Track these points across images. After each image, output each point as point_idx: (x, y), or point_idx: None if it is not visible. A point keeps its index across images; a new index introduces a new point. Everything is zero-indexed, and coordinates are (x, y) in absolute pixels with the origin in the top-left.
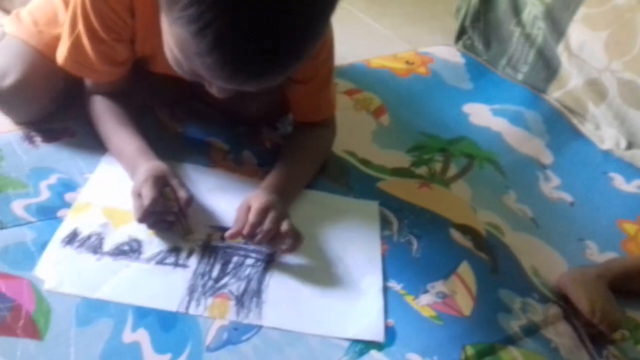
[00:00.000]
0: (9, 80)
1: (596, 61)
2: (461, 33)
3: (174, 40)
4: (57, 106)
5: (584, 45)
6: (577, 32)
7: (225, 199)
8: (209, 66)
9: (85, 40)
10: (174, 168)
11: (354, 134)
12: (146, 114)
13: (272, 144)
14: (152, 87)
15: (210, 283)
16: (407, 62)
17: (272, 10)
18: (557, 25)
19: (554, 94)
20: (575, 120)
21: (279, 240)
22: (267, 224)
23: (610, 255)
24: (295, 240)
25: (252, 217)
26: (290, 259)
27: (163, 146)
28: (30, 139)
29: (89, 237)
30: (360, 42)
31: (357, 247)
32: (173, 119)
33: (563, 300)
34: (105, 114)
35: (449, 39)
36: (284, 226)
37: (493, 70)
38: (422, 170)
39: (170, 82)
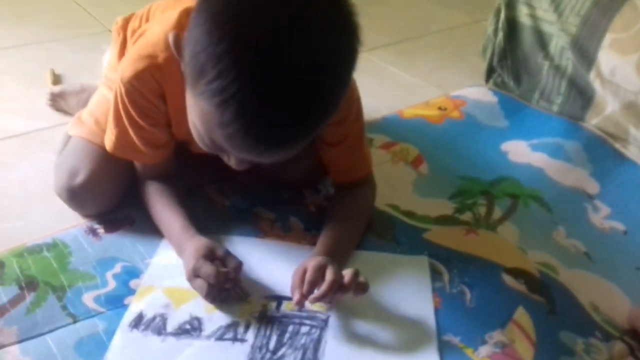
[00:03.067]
0: (79, 179)
1: (630, 84)
2: (490, 72)
3: (197, 114)
4: (121, 198)
5: (616, 70)
6: (606, 58)
7: (277, 267)
8: (231, 136)
9: (127, 127)
10: (223, 241)
11: (394, 187)
12: (196, 193)
13: (316, 207)
14: (198, 167)
15: (268, 355)
16: (440, 108)
17: (293, 82)
18: (585, 54)
19: (592, 121)
20: (618, 145)
21: (344, 292)
22: (328, 275)
23: None
24: (362, 285)
25: (309, 275)
26: (345, 323)
27: (213, 221)
28: (94, 232)
29: (153, 319)
30: (391, 93)
31: (410, 304)
32: (221, 194)
33: (631, 336)
34: (154, 196)
35: (479, 78)
36: (346, 277)
37: (527, 104)
38: (466, 216)
39: (213, 161)
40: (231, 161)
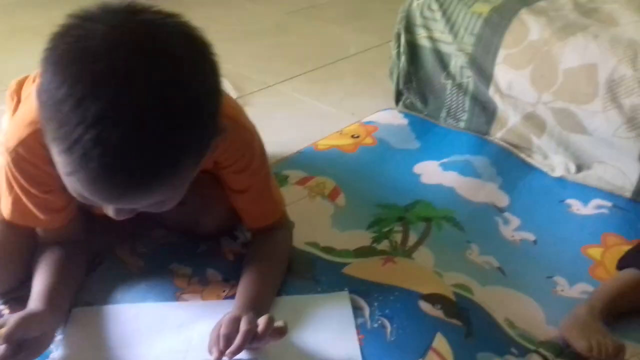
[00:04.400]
0: None
1: (527, 96)
2: (399, 94)
3: (57, 165)
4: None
5: (512, 84)
6: (502, 73)
7: (197, 331)
8: (83, 183)
9: (21, 195)
10: (137, 309)
11: (313, 223)
12: (106, 258)
13: (234, 255)
14: (106, 229)
15: None
16: (353, 136)
17: (136, 128)
18: (483, 71)
19: (497, 135)
20: (523, 155)
21: (261, 340)
22: (242, 326)
23: (580, 286)
24: (279, 329)
25: (223, 330)
26: None
27: (126, 287)
28: None
29: None
30: (306, 125)
31: (335, 345)
32: (134, 255)
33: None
34: (38, 259)
35: (392, 101)
36: (261, 325)
37: (436, 123)
38: (383, 244)
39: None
40: (109, 211)
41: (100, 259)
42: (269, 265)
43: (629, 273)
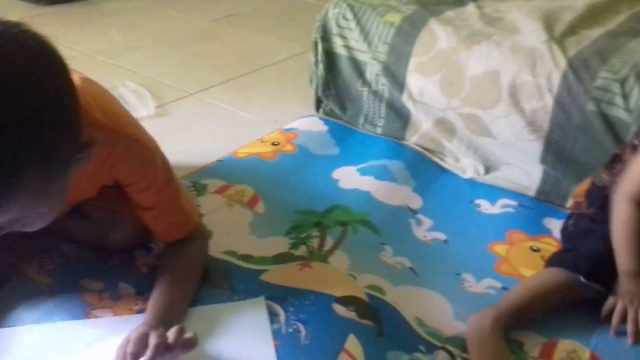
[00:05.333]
0: None
1: (437, 102)
2: (319, 101)
3: None
4: None
5: (423, 90)
6: (414, 80)
7: (105, 348)
8: None
9: None
10: (42, 329)
11: (231, 232)
12: (12, 276)
13: (148, 267)
14: (11, 246)
15: None
16: (273, 144)
17: None
18: (396, 78)
19: (412, 139)
20: (436, 159)
21: (172, 353)
22: (152, 340)
23: (486, 282)
24: (190, 341)
25: (130, 347)
26: None
27: (32, 306)
28: None
29: None
30: (227, 133)
31: (251, 352)
32: (42, 272)
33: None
34: None
35: (313, 108)
36: (170, 337)
37: (355, 129)
38: (301, 250)
39: (28, 235)
40: None
41: (4, 277)
42: (180, 276)
43: (551, 273)
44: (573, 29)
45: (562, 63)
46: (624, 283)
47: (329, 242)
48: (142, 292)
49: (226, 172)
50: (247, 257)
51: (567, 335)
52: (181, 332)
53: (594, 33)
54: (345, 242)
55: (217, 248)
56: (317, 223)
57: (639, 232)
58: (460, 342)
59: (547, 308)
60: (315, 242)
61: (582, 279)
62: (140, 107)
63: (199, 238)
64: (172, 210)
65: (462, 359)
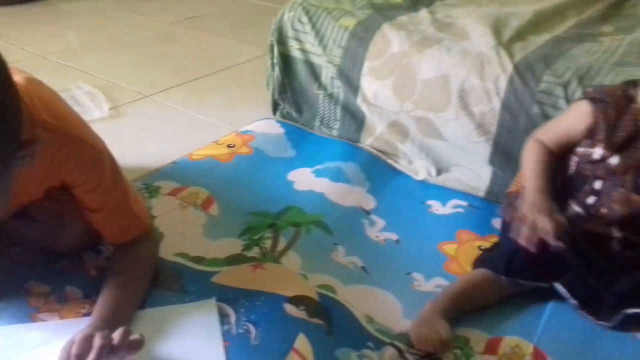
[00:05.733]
0: None
1: (390, 106)
2: (276, 104)
3: None
4: None
5: (377, 94)
6: (368, 84)
7: (51, 351)
8: None
9: None
10: None
11: (184, 234)
12: None
13: (97, 270)
14: None
15: None
16: (229, 146)
17: None
18: (351, 82)
19: (367, 142)
20: (390, 161)
21: (118, 355)
22: (96, 342)
23: (435, 281)
24: (136, 342)
25: (74, 349)
26: None
27: None
28: None
29: None
30: (183, 135)
31: (200, 353)
32: None
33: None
34: None
35: (270, 111)
36: (116, 339)
37: (311, 131)
38: (254, 251)
39: None
40: None
41: None
42: (129, 278)
43: (480, 272)
44: (520, 34)
45: (509, 67)
46: (530, 197)
47: (282, 243)
48: (90, 295)
49: (180, 174)
50: (199, 259)
51: (511, 331)
52: (127, 333)
53: (541, 39)
54: (298, 243)
55: (168, 250)
56: (271, 224)
57: (546, 162)
58: (408, 338)
59: (490, 300)
60: (268, 243)
61: (503, 277)
62: (93, 109)
63: (149, 240)
64: (121, 211)
65: (410, 354)
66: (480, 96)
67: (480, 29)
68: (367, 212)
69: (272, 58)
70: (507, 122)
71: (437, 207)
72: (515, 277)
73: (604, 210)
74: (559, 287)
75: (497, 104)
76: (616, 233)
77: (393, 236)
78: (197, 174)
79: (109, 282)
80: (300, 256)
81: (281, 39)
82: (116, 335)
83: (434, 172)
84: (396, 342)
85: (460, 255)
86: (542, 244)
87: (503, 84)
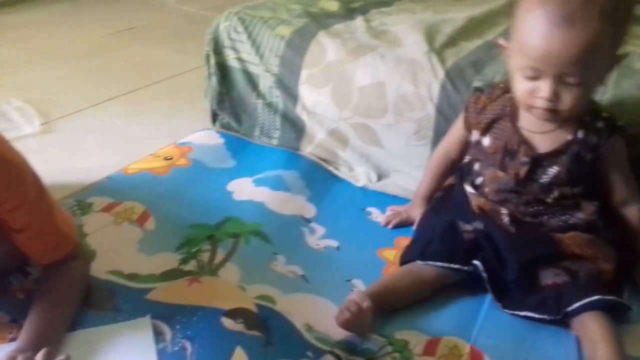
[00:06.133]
0: None
1: (329, 114)
2: (215, 114)
3: None
4: None
5: (316, 102)
6: (306, 92)
7: None
8: None
9: None
10: None
11: (118, 251)
12: None
13: (24, 292)
14: None
15: None
16: (166, 158)
17: None
18: (289, 90)
19: (307, 150)
20: (331, 168)
21: None
22: None
23: None
24: None
25: None
26: None
27: None
28: None
29: None
30: (119, 149)
31: None
32: None
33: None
34: None
35: (210, 121)
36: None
37: (251, 141)
38: (191, 265)
39: None
40: None
41: None
42: (57, 300)
43: (403, 267)
44: (453, 40)
45: (441, 74)
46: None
47: (220, 255)
48: (18, 319)
49: (115, 189)
50: (133, 276)
51: (449, 331)
52: (50, 354)
53: (472, 44)
54: (236, 254)
55: (101, 268)
56: (209, 236)
57: (434, 167)
58: (347, 346)
59: (418, 295)
60: (205, 256)
61: (419, 261)
62: (23, 125)
63: (79, 259)
64: (47, 230)
65: None
66: (414, 102)
67: (414, 35)
68: (307, 220)
69: (209, 68)
70: (443, 126)
71: (376, 214)
72: (431, 260)
73: (485, 189)
74: (477, 263)
75: (431, 109)
76: (503, 210)
77: (333, 243)
78: (132, 188)
79: (36, 304)
80: (239, 267)
81: (217, 49)
82: (39, 357)
83: (374, 178)
84: (335, 350)
85: (398, 261)
86: (453, 229)
87: (436, 89)
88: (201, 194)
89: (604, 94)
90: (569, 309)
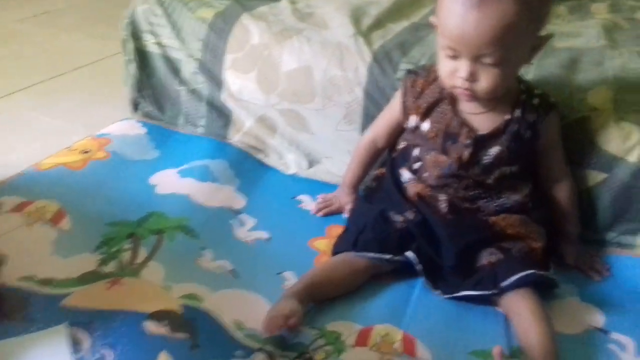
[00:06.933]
0: None
1: (256, 100)
2: (136, 103)
3: None
4: None
5: (242, 88)
6: (231, 78)
7: None
8: None
9: None
10: None
11: (30, 254)
12: None
13: None
14: None
15: None
16: (83, 152)
17: None
18: (214, 76)
19: (235, 138)
20: (260, 156)
21: None
22: None
23: None
24: None
25: None
26: None
27: None
28: None
29: None
30: (33, 143)
31: None
32: None
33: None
34: None
35: (130, 110)
36: None
37: (176, 130)
38: (111, 266)
39: None
40: None
41: None
42: None
43: (335, 257)
44: (379, 22)
45: (368, 56)
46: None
47: (143, 254)
48: None
49: (26, 187)
50: (47, 281)
51: (381, 320)
52: None
53: (399, 26)
54: (160, 252)
55: (12, 274)
56: (131, 234)
57: (360, 155)
58: (279, 341)
59: (350, 285)
60: (127, 255)
61: (353, 253)
62: None
63: None
64: None
65: (281, 358)
66: (342, 86)
67: (339, 18)
68: (237, 212)
69: (127, 54)
70: (371, 110)
71: (307, 201)
72: (363, 250)
73: (425, 174)
74: (409, 255)
75: (359, 93)
76: (441, 196)
77: (263, 235)
78: (46, 185)
79: None
80: (163, 266)
81: (135, 33)
82: None
83: (305, 165)
84: (267, 347)
85: (332, 251)
86: (384, 218)
87: (363, 73)
88: (121, 189)
89: (527, 74)
90: (504, 283)
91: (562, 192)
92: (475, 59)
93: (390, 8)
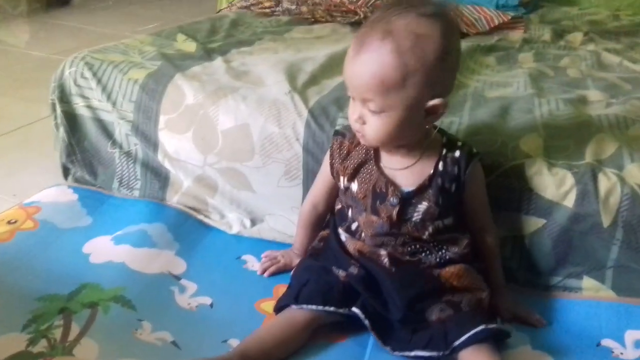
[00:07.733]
0: None
1: (194, 160)
2: (66, 168)
3: None
4: None
5: (178, 148)
6: (167, 139)
7: None
8: None
9: None
10: None
11: None
12: None
13: None
14: None
15: None
16: (10, 222)
17: None
18: (148, 138)
19: (174, 199)
20: (201, 217)
21: None
22: None
23: None
24: None
25: None
26: None
27: None
28: None
29: None
30: None
31: None
32: None
33: None
34: None
35: (61, 176)
36: None
37: (110, 194)
38: (41, 345)
39: None
40: None
41: None
42: None
43: (273, 319)
44: (315, 79)
45: (304, 112)
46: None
47: (75, 330)
48: None
49: None
50: None
51: None
52: None
53: (334, 82)
54: (94, 327)
55: None
56: (62, 309)
57: (303, 220)
58: None
59: (297, 343)
60: (58, 333)
61: (293, 306)
62: None
63: None
64: None
65: None
66: (281, 143)
67: (275, 75)
68: (177, 277)
69: (56, 118)
70: (312, 165)
71: (252, 262)
72: (306, 303)
73: (362, 234)
74: (356, 310)
75: (298, 149)
76: (382, 251)
77: (206, 300)
78: None
79: None
80: (97, 342)
81: (63, 97)
82: None
83: (248, 223)
84: None
85: (274, 308)
86: (327, 272)
87: (301, 129)
88: (52, 260)
89: (460, 125)
90: (456, 343)
91: (486, 242)
92: (363, 102)
93: (325, 64)
